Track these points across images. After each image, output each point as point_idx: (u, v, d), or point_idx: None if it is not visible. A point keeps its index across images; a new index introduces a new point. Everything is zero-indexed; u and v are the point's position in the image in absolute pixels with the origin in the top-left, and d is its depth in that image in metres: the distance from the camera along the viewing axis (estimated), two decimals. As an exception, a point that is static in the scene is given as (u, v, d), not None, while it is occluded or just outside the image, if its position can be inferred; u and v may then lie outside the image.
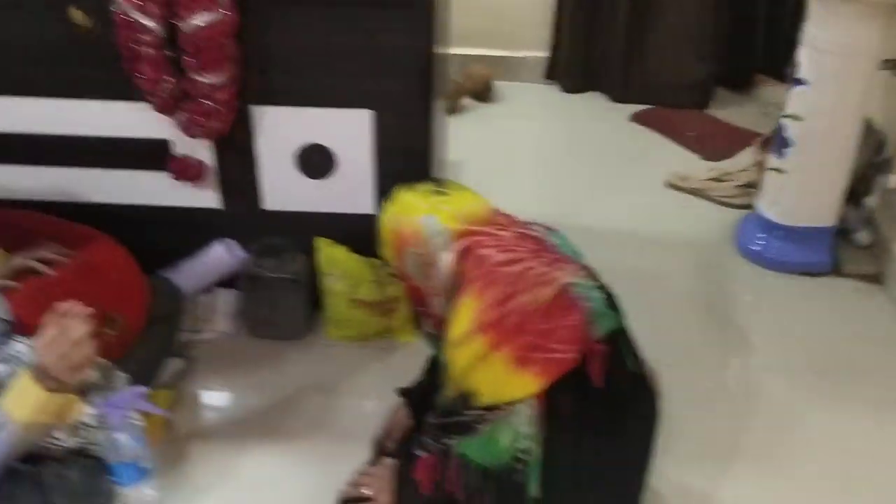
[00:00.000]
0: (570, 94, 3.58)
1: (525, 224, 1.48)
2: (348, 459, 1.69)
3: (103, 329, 1.71)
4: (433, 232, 1.42)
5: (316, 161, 1.99)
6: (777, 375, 2.08)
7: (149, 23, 1.73)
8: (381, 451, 1.74)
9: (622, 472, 1.46)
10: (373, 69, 1.85)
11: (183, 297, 2.06)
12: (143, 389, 1.53)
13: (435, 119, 1.98)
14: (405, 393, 1.76)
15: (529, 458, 1.35)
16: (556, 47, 3.56)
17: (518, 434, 1.34)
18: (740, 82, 3.55)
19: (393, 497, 1.51)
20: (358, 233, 1.98)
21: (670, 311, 2.30)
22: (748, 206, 2.64)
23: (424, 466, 1.44)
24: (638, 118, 3.36)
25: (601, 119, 3.40)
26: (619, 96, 3.50)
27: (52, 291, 1.68)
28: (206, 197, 2.06)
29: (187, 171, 1.99)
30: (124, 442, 1.50)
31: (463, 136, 2.92)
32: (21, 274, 1.75)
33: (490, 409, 1.35)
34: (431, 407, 1.51)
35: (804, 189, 2.38)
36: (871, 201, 2.49)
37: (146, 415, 1.60)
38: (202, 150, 1.98)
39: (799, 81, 2.27)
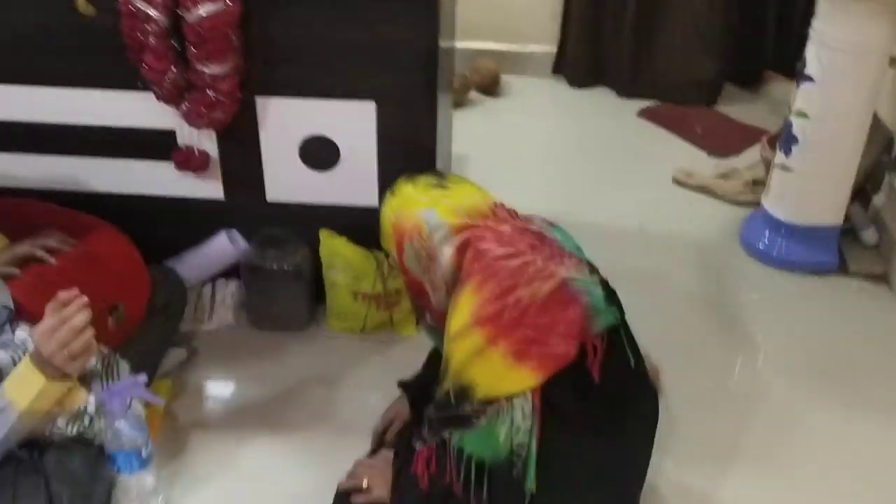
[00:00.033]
0: (578, 90, 3.56)
1: (526, 218, 1.48)
2: (348, 451, 1.69)
3: (105, 318, 1.73)
4: (433, 226, 1.42)
5: (320, 153, 1.99)
6: (780, 375, 2.07)
7: (153, 13, 1.73)
8: (380, 443, 1.75)
9: (620, 468, 1.45)
10: (377, 61, 1.85)
11: (185, 287, 2.06)
12: (143, 378, 1.54)
13: (439, 112, 1.98)
14: (405, 385, 1.77)
15: (527, 453, 1.35)
16: (565, 42, 3.55)
17: (516, 428, 1.34)
18: (750, 79, 3.53)
19: (390, 489, 1.51)
20: (361, 225, 1.99)
21: (673, 309, 2.29)
22: (754, 204, 2.63)
23: (422, 459, 1.44)
24: (646, 114, 3.35)
25: (608, 115, 3.39)
26: (627, 92, 3.49)
27: (55, 279, 1.69)
28: (209, 187, 2.06)
29: (191, 161, 1.99)
30: (124, 430, 1.52)
31: (469, 130, 2.92)
32: (24, 262, 1.75)
33: (488, 402, 1.35)
34: (431, 400, 1.51)
35: (811, 187, 2.37)
36: (878, 200, 2.47)
37: (147, 404, 1.61)
38: (206, 141, 1.98)
39: (807, 78, 2.25)
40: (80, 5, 1.80)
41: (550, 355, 1.31)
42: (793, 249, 2.43)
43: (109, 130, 1.98)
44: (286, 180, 2.04)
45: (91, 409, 1.51)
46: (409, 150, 1.95)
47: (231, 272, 2.17)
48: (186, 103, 1.86)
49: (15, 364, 1.45)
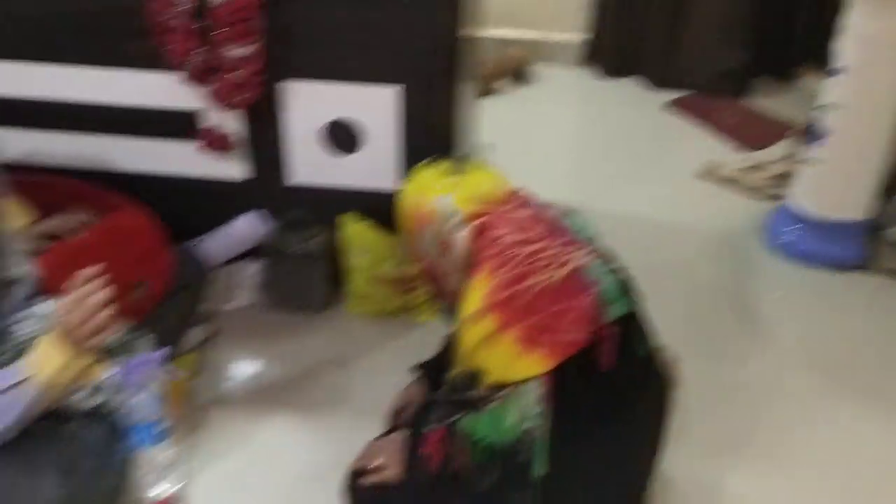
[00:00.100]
0: (607, 79, 3.55)
1: (541, 205, 1.48)
2: (362, 432, 1.71)
3: (127, 294, 1.75)
4: (448, 213, 1.43)
5: (342, 136, 2.00)
6: (798, 370, 2.05)
7: (180, -6, 1.75)
8: (394, 425, 1.77)
9: (628, 456, 1.45)
10: (400, 47, 1.86)
11: (208, 267, 2.09)
12: (162, 354, 1.56)
13: (462, 99, 1.98)
14: (421, 368, 1.78)
15: (536, 438, 1.36)
16: (594, 31, 3.53)
17: (525, 414, 1.35)
18: (782, 71, 3.49)
19: (402, 469, 1.53)
20: (382, 209, 1.99)
21: (693, 301, 2.28)
22: (780, 198, 2.60)
23: (432, 441, 1.45)
24: (675, 105, 3.33)
25: (636, 105, 3.37)
26: (656, 82, 3.47)
27: (79, 255, 1.72)
28: (233, 169, 2.09)
29: (215, 142, 2.02)
30: (142, 404, 1.54)
31: (495, 118, 2.92)
32: (50, 237, 1.79)
33: (498, 387, 1.36)
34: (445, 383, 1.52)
35: (837, 181, 2.34)
36: (905, 196, 2.44)
37: (167, 380, 1.63)
38: (231, 122, 2.01)
39: (836, 71, 2.23)
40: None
41: (561, 342, 1.32)
42: (816, 244, 2.40)
43: (135, 110, 2.01)
44: (308, 163, 2.06)
45: (110, 383, 1.54)
46: (430, 136, 1.96)
47: (253, 253, 2.20)
48: (212, 84, 1.88)
49: (38, 337, 1.48)
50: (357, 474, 1.60)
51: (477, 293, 1.36)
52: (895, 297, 2.31)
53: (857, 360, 2.09)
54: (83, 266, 1.43)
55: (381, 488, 1.55)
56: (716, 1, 3.26)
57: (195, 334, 2.04)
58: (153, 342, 1.62)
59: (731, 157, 2.95)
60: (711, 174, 2.84)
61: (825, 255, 2.40)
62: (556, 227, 1.42)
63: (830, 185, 2.36)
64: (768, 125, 3.17)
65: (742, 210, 2.69)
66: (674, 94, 3.38)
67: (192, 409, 1.89)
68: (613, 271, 1.41)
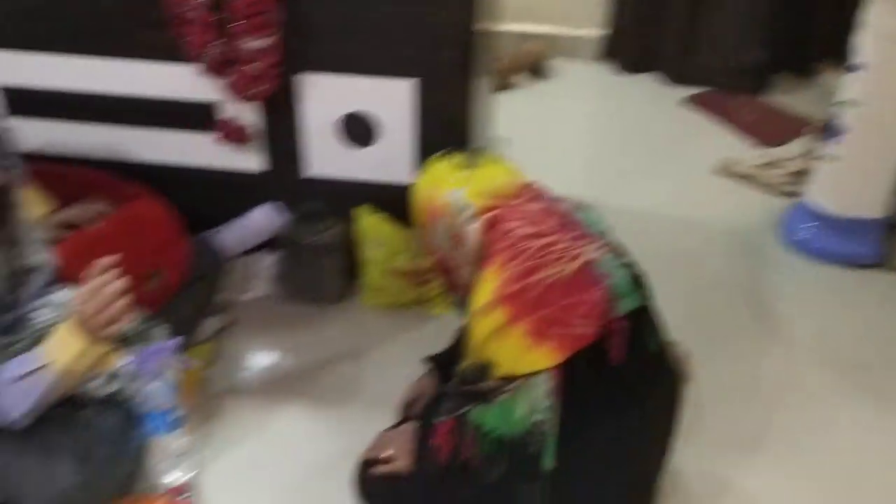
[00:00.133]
0: (626, 75, 3.53)
1: (554, 199, 1.48)
2: (374, 423, 1.72)
3: (143, 283, 1.78)
4: (460, 207, 1.44)
5: (358, 129, 2.01)
6: (812, 367, 2.04)
7: (198, -13, 1.77)
8: (405, 416, 1.78)
9: (638, 451, 1.46)
10: (416, 40, 1.86)
11: (224, 257, 2.11)
12: (176, 342, 1.58)
13: (477, 92, 1.99)
14: (432, 360, 1.79)
15: (545, 431, 1.36)
16: (613, 26, 3.52)
17: (534, 406, 1.35)
18: (801, 68, 3.46)
19: (411, 460, 1.54)
20: (397, 202, 1.99)
21: (707, 297, 2.27)
22: (797, 195, 2.59)
23: (442, 432, 1.46)
24: (693, 101, 3.31)
25: (654, 101, 3.35)
26: (675, 78, 3.45)
27: (96, 244, 1.75)
28: (249, 160, 2.10)
29: (232, 133, 2.03)
30: (156, 392, 1.56)
31: (513, 112, 2.92)
32: (68, 226, 1.82)
33: (507, 379, 1.36)
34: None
35: (855, 178, 2.32)
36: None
37: (182, 369, 1.65)
38: (248, 114, 2.02)
39: (855, 67, 2.21)
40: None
41: (570, 336, 1.32)
42: (833, 241, 2.39)
43: (153, 101, 2.03)
44: (324, 155, 2.07)
45: (126, 371, 1.56)
46: (445, 129, 1.96)
47: (270, 245, 2.21)
48: (229, 76, 1.89)
49: (55, 325, 1.50)
50: (367, 464, 1.61)
51: (487, 286, 1.37)
52: (911, 296, 2.30)
53: (873, 359, 2.08)
54: (100, 255, 1.45)
55: (391, 479, 1.56)
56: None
57: (210, 324, 2.06)
58: (168, 331, 1.64)
59: (748, 153, 2.93)
60: (728, 170, 2.83)
61: (841, 253, 2.39)
62: (568, 220, 1.42)
63: (847, 182, 2.34)
64: (787, 122, 3.15)
65: (758, 206, 2.67)
66: (691, 91, 3.37)
67: (206, 399, 1.91)
68: (625, 265, 1.41)
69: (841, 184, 2.36)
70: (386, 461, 1.58)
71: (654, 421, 1.47)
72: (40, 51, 2.00)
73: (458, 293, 1.56)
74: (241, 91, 1.91)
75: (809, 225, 2.44)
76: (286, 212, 2.16)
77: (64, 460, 1.50)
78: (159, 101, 2.02)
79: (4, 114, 2.09)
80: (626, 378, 1.38)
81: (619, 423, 1.40)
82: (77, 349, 1.43)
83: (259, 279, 2.22)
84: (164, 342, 1.61)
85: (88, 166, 2.07)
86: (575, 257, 1.35)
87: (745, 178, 2.79)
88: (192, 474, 1.68)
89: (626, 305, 1.36)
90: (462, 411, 1.43)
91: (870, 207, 2.35)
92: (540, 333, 1.32)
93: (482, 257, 1.42)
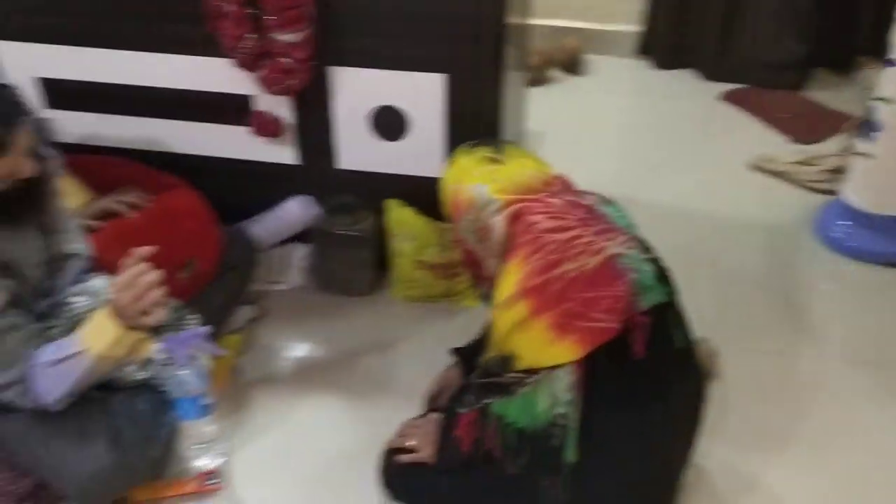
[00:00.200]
0: (662, 71, 3.51)
1: (579, 192, 1.49)
2: (400, 414, 1.74)
3: (177, 272, 1.82)
4: (484, 201, 1.44)
5: (389, 123, 2.03)
6: (842, 365, 2.02)
7: (232, -18, 1.80)
8: (431, 407, 1.79)
9: (660, 446, 1.45)
10: (446, 34, 1.87)
11: (257, 248, 2.15)
12: (207, 330, 1.61)
13: (508, 87, 1.99)
14: (458, 352, 1.80)
15: (567, 424, 1.37)
16: (650, 22, 3.50)
17: (556, 399, 1.36)
18: (842, 64, 3.41)
19: (435, 450, 1.56)
20: (427, 195, 2.01)
21: (738, 293, 2.26)
22: (832, 192, 2.56)
23: (465, 423, 1.48)
24: (730, 97, 3.28)
25: (690, 97, 3.33)
26: (711, 74, 3.42)
27: (132, 233, 1.79)
28: (282, 153, 2.13)
29: (266, 126, 2.06)
30: (188, 378, 1.59)
31: (547, 107, 2.93)
32: (105, 216, 1.86)
33: (529, 372, 1.37)
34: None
35: (890, 176, 2.29)
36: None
37: (214, 356, 1.69)
38: (281, 108, 2.05)
39: (892, 63, 2.18)
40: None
41: (593, 330, 1.32)
42: (867, 239, 2.36)
43: (188, 94, 2.06)
44: (356, 149, 2.09)
45: (159, 357, 1.60)
46: (475, 123, 1.97)
47: (302, 236, 2.25)
48: (262, 70, 1.92)
49: (92, 311, 1.54)
50: (392, 454, 1.63)
51: (511, 278, 1.38)
52: (947, 296, 2.26)
53: (905, 359, 2.06)
54: (136, 244, 1.48)
55: (415, 468, 1.58)
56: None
57: (243, 314, 2.10)
58: (201, 320, 1.68)
59: (783, 149, 2.90)
60: (763, 166, 2.80)
61: (876, 251, 2.36)
62: (592, 214, 1.43)
63: (883, 180, 2.31)
64: (824, 118, 3.11)
65: (793, 203, 2.65)
66: (727, 87, 3.34)
67: (236, 387, 1.94)
68: (650, 260, 1.41)
69: (876, 181, 2.33)
70: (410, 451, 1.60)
71: (677, 416, 1.47)
72: (79, 45, 2.05)
73: (485, 286, 1.57)
74: (274, 84, 1.94)
75: (844, 223, 2.41)
76: (318, 204, 2.19)
77: (97, 442, 1.54)
78: (194, 93, 2.06)
79: (44, 106, 2.15)
80: (649, 372, 1.38)
81: (642, 417, 1.40)
82: (112, 336, 1.46)
83: (290, 270, 2.25)
84: (196, 330, 1.64)
85: (125, 157, 2.11)
86: (598, 251, 1.36)
87: (780, 174, 2.76)
88: (220, 461, 1.72)
89: (650, 300, 1.36)
90: (484, 403, 1.45)
91: (905, 206, 2.32)
92: (562, 327, 1.33)
93: (506, 250, 1.43)
